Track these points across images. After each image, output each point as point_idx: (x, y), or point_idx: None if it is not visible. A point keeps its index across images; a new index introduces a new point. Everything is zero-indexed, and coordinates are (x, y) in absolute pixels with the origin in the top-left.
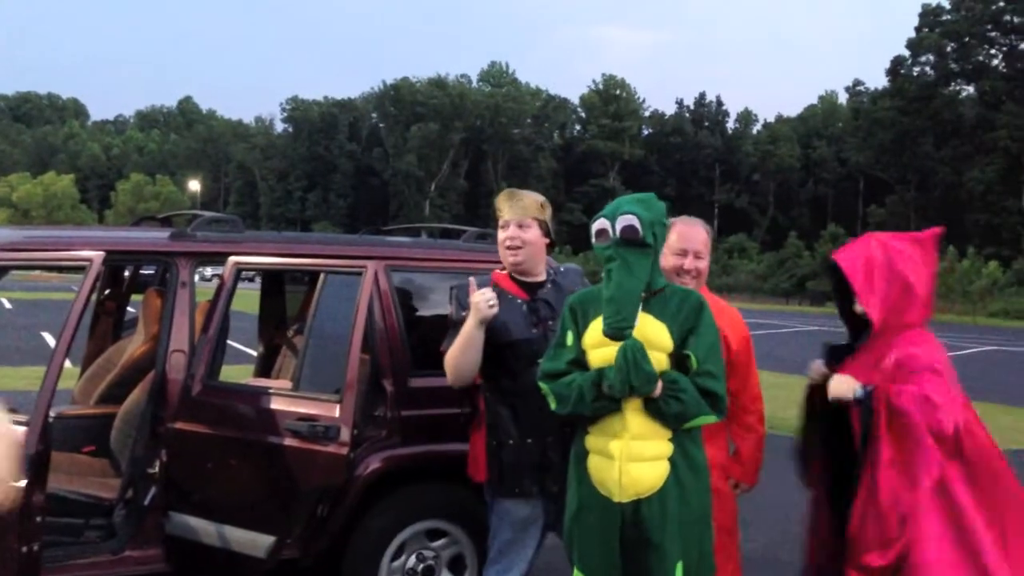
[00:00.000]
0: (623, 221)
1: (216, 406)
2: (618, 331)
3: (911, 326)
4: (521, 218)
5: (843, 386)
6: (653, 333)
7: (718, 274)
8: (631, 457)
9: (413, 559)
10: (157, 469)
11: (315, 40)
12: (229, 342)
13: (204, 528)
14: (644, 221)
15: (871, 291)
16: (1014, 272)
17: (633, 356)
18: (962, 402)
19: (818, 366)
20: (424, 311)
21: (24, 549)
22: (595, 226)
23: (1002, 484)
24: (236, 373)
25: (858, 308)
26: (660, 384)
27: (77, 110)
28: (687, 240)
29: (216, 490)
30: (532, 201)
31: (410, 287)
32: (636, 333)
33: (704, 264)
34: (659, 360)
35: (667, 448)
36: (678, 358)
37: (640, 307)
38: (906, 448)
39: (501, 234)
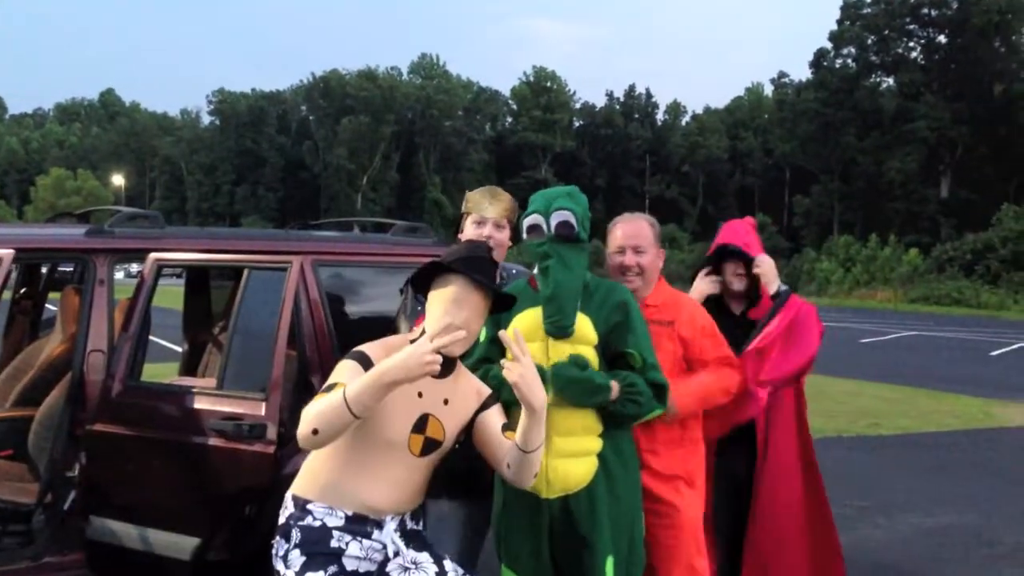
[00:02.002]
0: (558, 217)
1: (137, 406)
2: (560, 329)
3: None
4: (499, 218)
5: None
6: (579, 327)
7: None
8: (557, 453)
9: None
10: (77, 472)
11: (242, 31)
12: (157, 340)
13: (126, 532)
14: (578, 216)
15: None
16: (933, 259)
17: (567, 382)
18: None
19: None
20: (353, 306)
21: None
22: (527, 222)
23: None
24: (164, 371)
25: (736, 285)
26: (616, 388)
27: None
28: (627, 236)
29: (138, 493)
30: (511, 202)
31: (338, 282)
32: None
33: (647, 259)
34: (591, 356)
35: (596, 444)
36: (611, 354)
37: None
38: None
39: (474, 230)
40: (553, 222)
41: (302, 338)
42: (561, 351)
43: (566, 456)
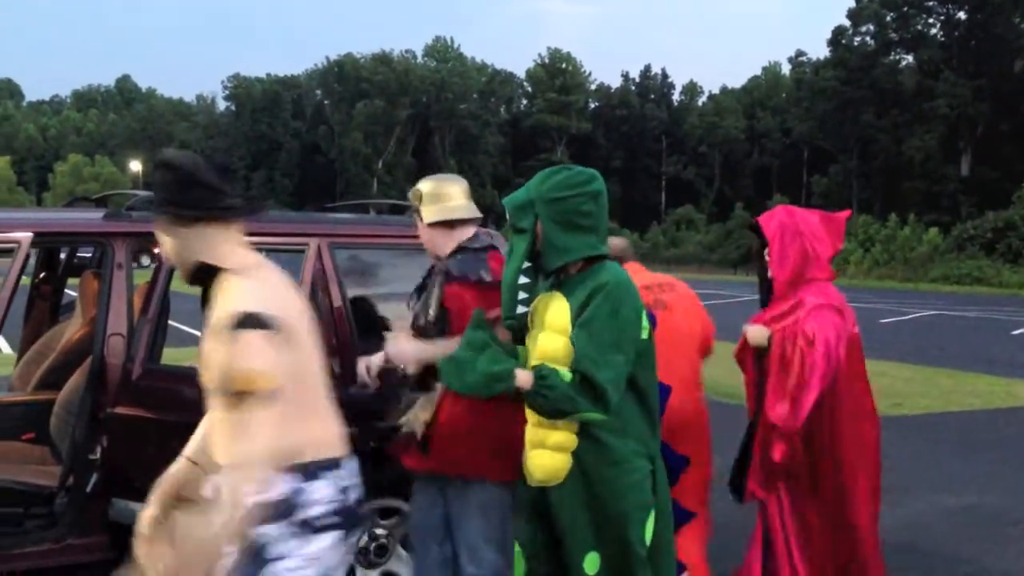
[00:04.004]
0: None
1: (157, 389)
2: (505, 321)
3: (814, 280)
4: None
5: (758, 334)
6: (554, 315)
7: (666, 246)
8: (533, 443)
9: (365, 537)
10: (98, 455)
11: (256, 16)
12: (176, 324)
13: None
14: (518, 203)
15: (782, 255)
16: (953, 238)
17: (452, 368)
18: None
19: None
20: (369, 288)
21: None
22: None
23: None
24: (183, 355)
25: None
26: (525, 378)
27: (11, 90)
28: None
29: (160, 475)
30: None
31: (354, 264)
32: (539, 316)
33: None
34: (559, 346)
35: (570, 440)
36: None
37: (520, 294)
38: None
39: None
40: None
41: (319, 320)
42: (535, 341)
43: (538, 447)
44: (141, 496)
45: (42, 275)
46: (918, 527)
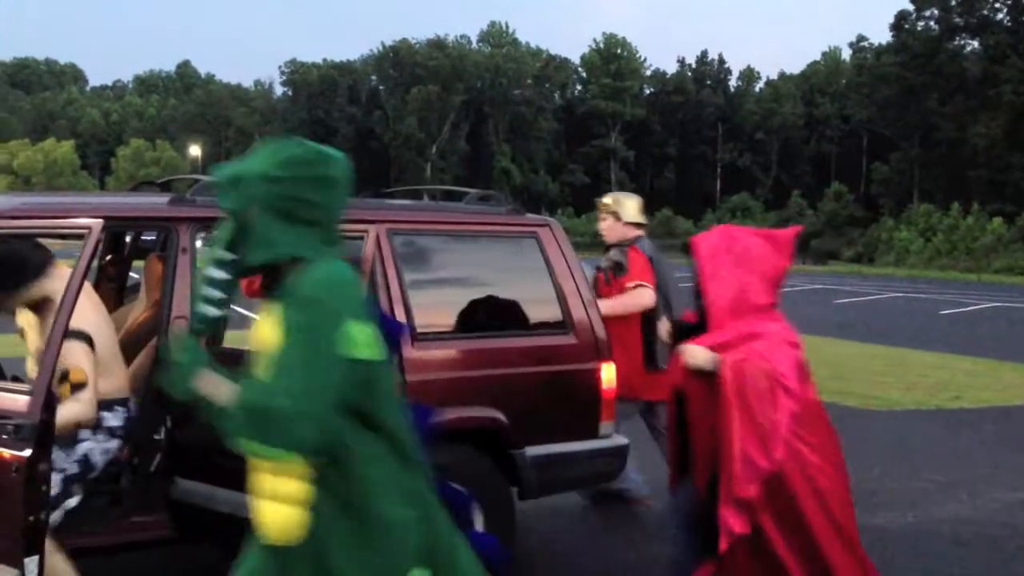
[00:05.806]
0: None
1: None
2: (194, 326)
3: (763, 308)
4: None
5: (704, 357)
6: (268, 332)
7: None
8: (264, 494)
9: None
10: (162, 435)
11: (313, 1)
12: (238, 308)
13: (213, 494)
14: (227, 178)
15: (716, 281)
16: (1018, 228)
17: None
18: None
19: (666, 326)
20: (427, 274)
21: (31, 518)
22: None
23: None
24: (244, 338)
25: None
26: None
27: (75, 75)
28: None
29: (223, 456)
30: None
31: (412, 250)
32: (260, 331)
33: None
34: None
35: (298, 487)
36: None
37: (211, 291)
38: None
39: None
40: None
41: (378, 307)
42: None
43: (271, 498)
44: (203, 476)
45: (108, 257)
46: (977, 522)
